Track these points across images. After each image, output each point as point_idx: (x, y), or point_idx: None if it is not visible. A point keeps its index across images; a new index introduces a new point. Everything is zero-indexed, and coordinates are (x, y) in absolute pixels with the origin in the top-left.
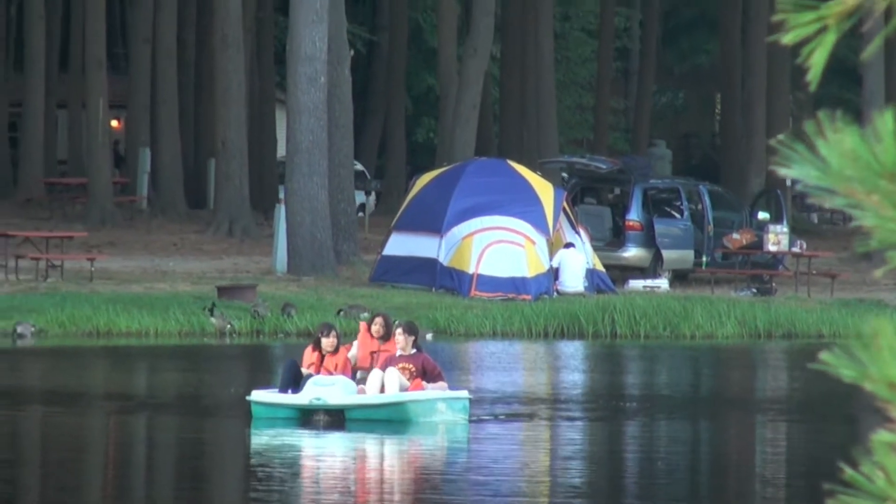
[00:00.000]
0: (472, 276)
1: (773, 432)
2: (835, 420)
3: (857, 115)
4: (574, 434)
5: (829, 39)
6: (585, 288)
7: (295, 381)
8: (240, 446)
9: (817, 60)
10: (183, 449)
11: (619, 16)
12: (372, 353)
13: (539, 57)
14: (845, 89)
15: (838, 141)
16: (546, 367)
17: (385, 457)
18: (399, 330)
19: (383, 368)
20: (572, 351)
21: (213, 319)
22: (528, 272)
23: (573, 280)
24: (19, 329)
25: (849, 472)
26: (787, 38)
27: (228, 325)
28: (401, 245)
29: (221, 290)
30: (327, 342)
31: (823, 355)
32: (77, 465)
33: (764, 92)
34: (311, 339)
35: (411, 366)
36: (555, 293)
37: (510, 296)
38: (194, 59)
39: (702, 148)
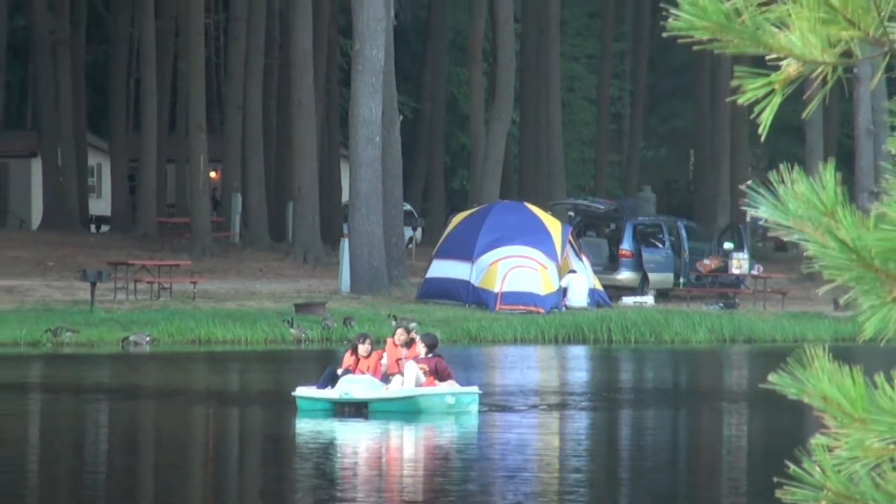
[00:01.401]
0: (497, 294)
1: (737, 419)
2: (784, 409)
3: (802, 166)
4: (575, 421)
5: (776, 101)
6: (588, 304)
7: (332, 381)
8: (287, 432)
9: (766, 117)
10: (254, 430)
11: (613, 87)
12: (398, 360)
13: (550, 120)
14: (792, 145)
15: (794, 188)
16: (556, 366)
17: (396, 437)
18: (419, 339)
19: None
20: (577, 354)
21: (291, 330)
22: (542, 291)
23: (578, 297)
24: (136, 339)
25: (793, 468)
26: (742, 99)
27: (303, 335)
28: (440, 269)
29: (298, 307)
30: (363, 348)
31: (771, 377)
32: (183, 448)
33: (728, 148)
34: (349, 344)
35: (426, 366)
36: (563, 308)
37: (528, 309)
38: (276, 122)
39: (679, 192)
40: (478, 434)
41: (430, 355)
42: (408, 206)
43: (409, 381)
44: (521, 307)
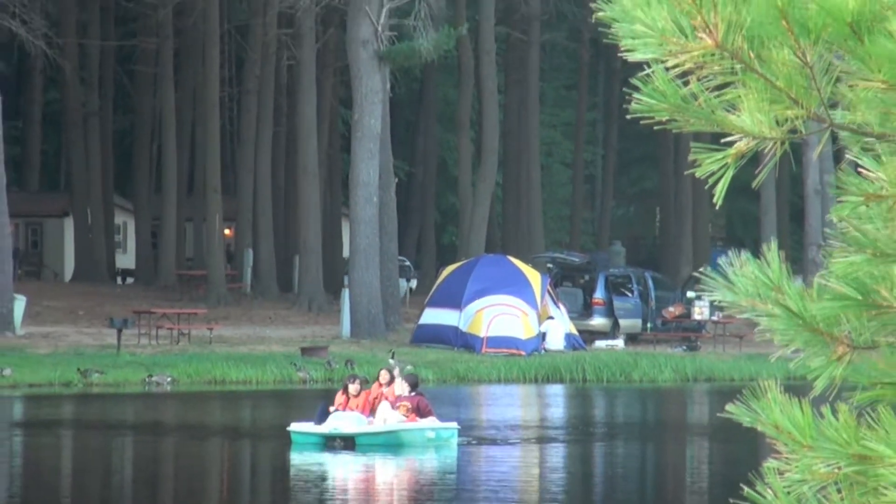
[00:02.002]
0: (483, 338)
1: (699, 450)
2: (740, 440)
3: (757, 222)
4: (551, 452)
5: (729, 173)
6: (564, 347)
7: (325, 417)
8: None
9: (720, 188)
10: (259, 461)
11: (587, 152)
12: (380, 394)
13: (530, 182)
14: (749, 203)
15: (743, 269)
16: (535, 403)
17: (379, 465)
18: (403, 379)
19: (394, 406)
20: (555, 392)
21: (298, 372)
22: (524, 335)
23: (556, 341)
24: (158, 379)
25: (747, 490)
26: (699, 172)
27: (308, 375)
28: (432, 317)
29: (303, 350)
30: (352, 388)
31: (729, 407)
32: (192, 474)
33: (690, 207)
34: (341, 385)
35: (409, 404)
36: (543, 350)
37: (511, 352)
38: (283, 184)
39: (647, 246)
40: (456, 464)
41: (412, 394)
42: (403, 260)
43: (385, 419)
44: (505, 350)
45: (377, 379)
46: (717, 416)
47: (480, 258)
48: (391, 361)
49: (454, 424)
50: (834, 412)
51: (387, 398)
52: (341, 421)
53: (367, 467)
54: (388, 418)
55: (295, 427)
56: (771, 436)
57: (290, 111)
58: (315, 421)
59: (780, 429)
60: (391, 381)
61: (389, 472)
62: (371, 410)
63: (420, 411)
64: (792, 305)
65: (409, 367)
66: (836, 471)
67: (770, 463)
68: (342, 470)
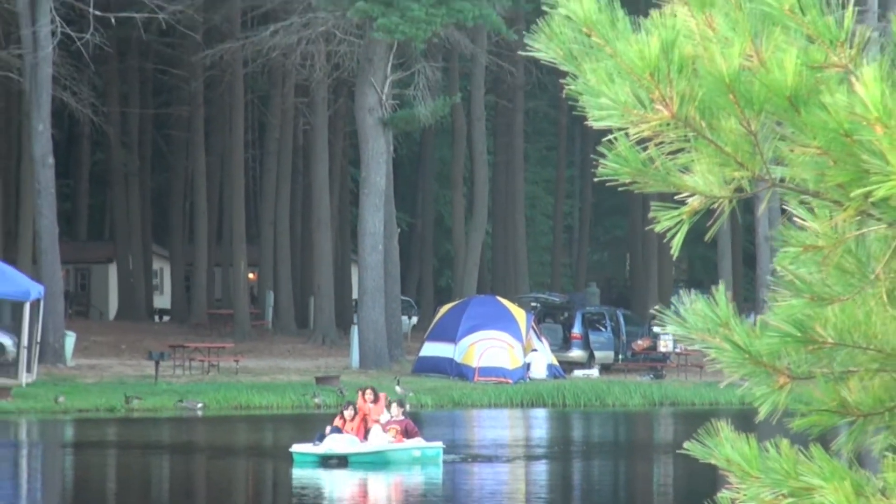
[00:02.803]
0: (475, 368)
1: (664, 468)
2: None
3: (715, 266)
4: (533, 469)
5: (684, 228)
6: (546, 376)
7: (322, 439)
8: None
9: (677, 241)
10: (270, 477)
11: (565, 205)
12: (365, 415)
13: (515, 232)
14: (707, 249)
15: (693, 307)
16: (521, 425)
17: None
18: (394, 405)
19: (385, 429)
20: (538, 415)
21: (315, 399)
22: (510, 365)
23: (539, 371)
24: (188, 405)
25: None
26: (658, 228)
27: (322, 401)
28: (431, 350)
29: (318, 379)
30: (347, 413)
31: (686, 444)
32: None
33: (656, 252)
34: (339, 410)
35: (397, 426)
36: (527, 379)
37: (499, 380)
38: (300, 234)
39: (618, 287)
40: (441, 479)
41: (401, 417)
42: (406, 299)
43: (377, 440)
44: (494, 378)
45: (362, 395)
46: (681, 440)
47: (472, 298)
48: (397, 389)
49: (439, 444)
50: (776, 446)
51: (375, 418)
52: (336, 442)
53: (359, 482)
54: (379, 440)
55: (296, 448)
56: (723, 468)
57: (306, 170)
58: (314, 442)
59: (731, 462)
60: (375, 399)
61: (378, 486)
62: (365, 432)
63: (407, 433)
64: (739, 340)
65: (410, 394)
66: (780, 498)
67: (723, 494)
68: (337, 484)
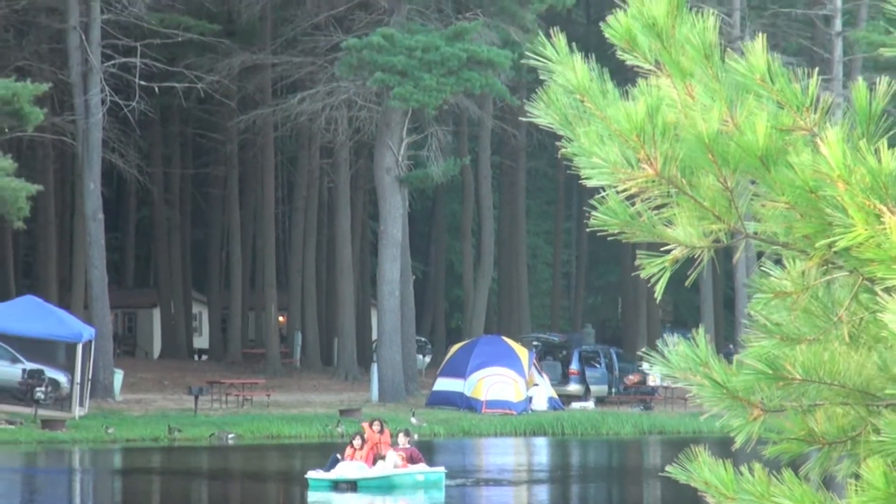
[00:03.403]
0: (483, 401)
1: (653, 491)
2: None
3: (698, 308)
4: (536, 490)
5: (667, 275)
6: (547, 407)
7: (334, 465)
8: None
9: (660, 286)
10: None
11: (563, 254)
12: (374, 443)
13: (519, 278)
14: (691, 294)
15: (676, 349)
16: (524, 452)
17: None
18: (401, 434)
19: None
20: (539, 443)
21: (338, 429)
22: (515, 398)
23: (540, 403)
24: (220, 435)
25: None
26: (643, 274)
27: (345, 431)
28: (443, 385)
29: (341, 412)
30: (357, 442)
31: (668, 468)
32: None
33: (645, 296)
34: (350, 438)
35: (404, 454)
36: (530, 410)
37: (504, 412)
38: (325, 281)
39: (611, 328)
40: (444, 500)
41: (406, 445)
42: (421, 339)
43: (384, 467)
44: (500, 410)
45: (370, 427)
46: (667, 465)
47: (480, 338)
48: (412, 420)
49: (442, 469)
50: (750, 470)
51: (384, 445)
52: (346, 468)
53: (368, 503)
54: (385, 466)
55: (311, 474)
56: (702, 490)
57: (330, 224)
58: (326, 468)
59: (709, 484)
60: (382, 429)
61: None
62: (372, 460)
63: (412, 459)
64: (717, 377)
65: (424, 424)
66: None
67: None
68: None
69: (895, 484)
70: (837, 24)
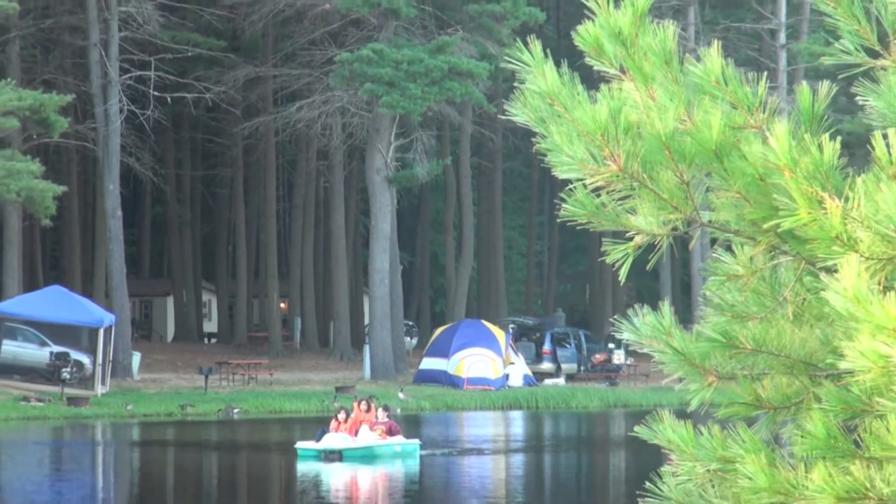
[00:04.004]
0: (464, 378)
1: (618, 457)
2: (648, 449)
3: (658, 294)
4: (513, 459)
5: (629, 260)
6: (522, 384)
7: (322, 437)
8: (295, 468)
9: (623, 270)
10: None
11: (537, 246)
12: (360, 420)
13: (496, 268)
14: (651, 280)
15: (644, 318)
16: (501, 424)
17: (363, 474)
18: (380, 410)
19: (371, 428)
20: (515, 416)
21: (335, 404)
22: (493, 376)
23: (516, 380)
24: (227, 409)
25: (649, 485)
26: (608, 260)
27: (339, 405)
28: (428, 364)
29: (337, 388)
30: (342, 416)
31: (636, 428)
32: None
33: (610, 284)
34: (335, 413)
35: (383, 427)
36: (507, 386)
37: (484, 388)
38: (322, 272)
39: (580, 312)
40: (418, 470)
41: (385, 419)
42: (408, 323)
43: (366, 438)
44: (480, 387)
45: (358, 405)
46: (630, 434)
47: (462, 322)
48: (400, 395)
49: (417, 441)
50: (709, 430)
51: (367, 422)
52: (332, 440)
53: (351, 471)
54: (367, 438)
55: (300, 445)
56: (665, 448)
57: (326, 220)
58: (315, 440)
59: (672, 442)
60: (369, 408)
61: (365, 474)
62: (355, 432)
63: (391, 432)
64: (677, 346)
65: (411, 399)
66: (710, 471)
67: (665, 468)
68: (333, 474)
69: (834, 435)
70: (782, 38)
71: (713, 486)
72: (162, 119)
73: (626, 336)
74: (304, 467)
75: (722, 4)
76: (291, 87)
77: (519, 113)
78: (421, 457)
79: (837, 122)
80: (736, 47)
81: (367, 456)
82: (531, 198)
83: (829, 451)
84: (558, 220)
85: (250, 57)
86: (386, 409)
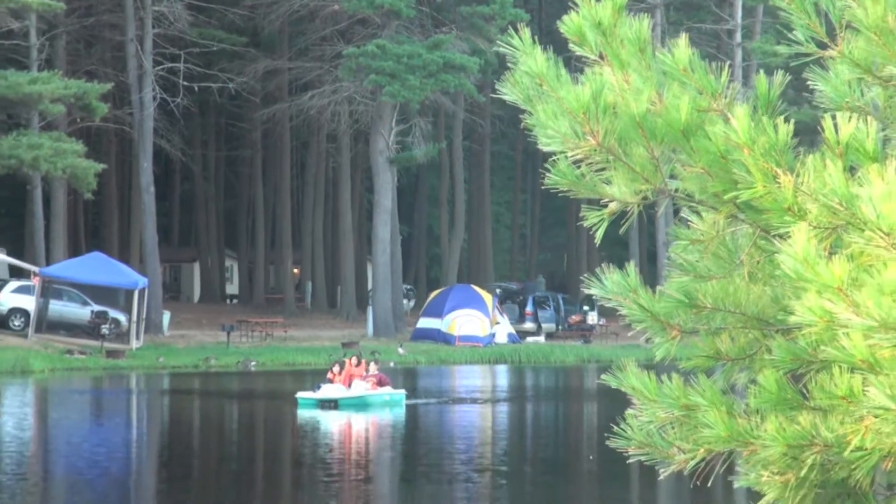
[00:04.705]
0: (456, 336)
1: (590, 405)
2: (616, 398)
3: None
4: (498, 409)
5: (604, 225)
6: (507, 341)
7: (319, 387)
8: (294, 414)
9: (599, 233)
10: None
11: (521, 219)
12: (352, 374)
13: (484, 239)
14: (621, 249)
15: (611, 277)
16: (489, 376)
17: (356, 420)
18: (372, 363)
19: (365, 380)
20: (501, 370)
21: (344, 358)
22: (481, 334)
23: (501, 338)
24: (244, 363)
25: (616, 428)
26: (586, 224)
27: (335, 360)
28: (424, 323)
29: (343, 344)
30: (336, 369)
31: (603, 376)
32: (254, 418)
33: (585, 253)
34: (330, 365)
35: (374, 379)
36: (493, 343)
37: (473, 345)
38: (331, 242)
39: (559, 278)
40: (404, 417)
41: (376, 372)
42: (407, 286)
43: (359, 389)
44: (469, 343)
45: (349, 360)
46: (599, 383)
47: (454, 286)
48: (399, 350)
49: (403, 391)
50: (669, 378)
51: (359, 375)
52: (329, 390)
53: (345, 418)
54: (359, 388)
55: (300, 394)
56: (630, 394)
57: (334, 195)
58: (314, 389)
59: (636, 389)
60: (359, 363)
61: (359, 420)
62: (349, 383)
63: (381, 383)
64: (643, 303)
65: (408, 354)
66: (671, 415)
67: (630, 411)
68: (330, 420)
69: (784, 388)
70: (738, 37)
71: (673, 429)
72: (190, 106)
73: (594, 291)
74: (304, 413)
75: (685, 7)
76: (304, 78)
77: (509, 92)
78: (406, 405)
79: (787, 111)
80: (698, 45)
81: (359, 405)
82: (516, 177)
83: (780, 404)
84: (543, 186)
85: (268, 51)
86: (376, 362)
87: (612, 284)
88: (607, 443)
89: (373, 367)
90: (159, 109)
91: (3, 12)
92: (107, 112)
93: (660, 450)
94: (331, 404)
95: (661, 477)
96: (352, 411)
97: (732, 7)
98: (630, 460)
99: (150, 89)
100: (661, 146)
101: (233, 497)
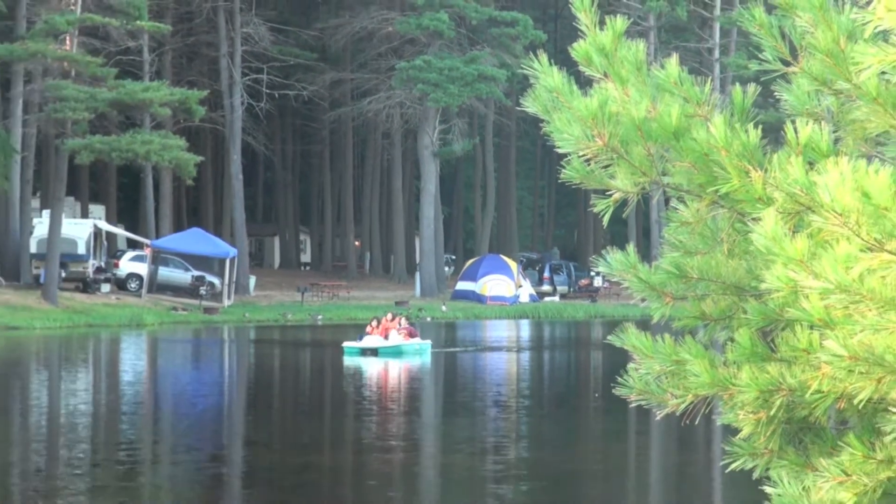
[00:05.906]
0: (487, 296)
1: (597, 356)
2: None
3: (626, 238)
4: (521, 356)
5: (610, 210)
6: (529, 300)
7: (361, 338)
8: (341, 361)
9: (606, 217)
10: (336, 362)
11: (540, 201)
12: (386, 328)
13: (510, 218)
14: (623, 228)
15: (614, 255)
16: (513, 329)
17: (392, 365)
18: (403, 318)
19: (398, 332)
20: (524, 324)
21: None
22: (508, 294)
23: (524, 298)
24: (313, 317)
25: (621, 379)
26: (596, 210)
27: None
28: (462, 286)
29: (396, 303)
30: (374, 323)
31: (609, 336)
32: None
33: (592, 230)
34: (369, 320)
35: (406, 331)
36: (518, 302)
37: (501, 304)
38: (386, 220)
39: (570, 249)
40: (430, 364)
41: (406, 325)
42: (448, 255)
43: (395, 340)
44: (498, 303)
45: (385, 317)
46: (605, 340)
47: (485, 256)
48: (443, 308)
49: (429, 341)
50: (662, 338)
51: (393, 328)
52: (369, 340)
53: (384, 364)
54: (395, 339)
55: (346, 344)
56: (631, 350)
57: (388, 182)
58: (357, 340)
59: (636, 347)
60: (393, 318)
61: (395, 366)
62: (386, 335)
63: (411, 335)
64: (642, 276)
65: (448, 310)
66: (665, 368)
67: (631, 365)
68: (370, 365)
69: (756, 343)
70: (716, 53)
71: (666, 378)
72: (271, 109)
73: (601, 269)
74: (348, 360)
75: (674, 29)
76: (364, 86)
77: (531, 105)
78: (431, 353)
79: (758, 114)
80: (684, 61)
81: (394, 353)
82: (536, 168)
83: (753, 356)
84: (559, 180)
85: (335, 65)
86: (407, 318)
87: (616, 262)
88: (614, 392)
89: (404, 322)
90: (246, 112)
91: (122, 34)
92: (204, 114)
93: (656, 396)
94: (371, 352)
95: (658, 417)
96: (388, 358)
97: (712, 29)
98: (632, 405)
99: (238, 96)
100: (656, 146)
101: (305, 422)
